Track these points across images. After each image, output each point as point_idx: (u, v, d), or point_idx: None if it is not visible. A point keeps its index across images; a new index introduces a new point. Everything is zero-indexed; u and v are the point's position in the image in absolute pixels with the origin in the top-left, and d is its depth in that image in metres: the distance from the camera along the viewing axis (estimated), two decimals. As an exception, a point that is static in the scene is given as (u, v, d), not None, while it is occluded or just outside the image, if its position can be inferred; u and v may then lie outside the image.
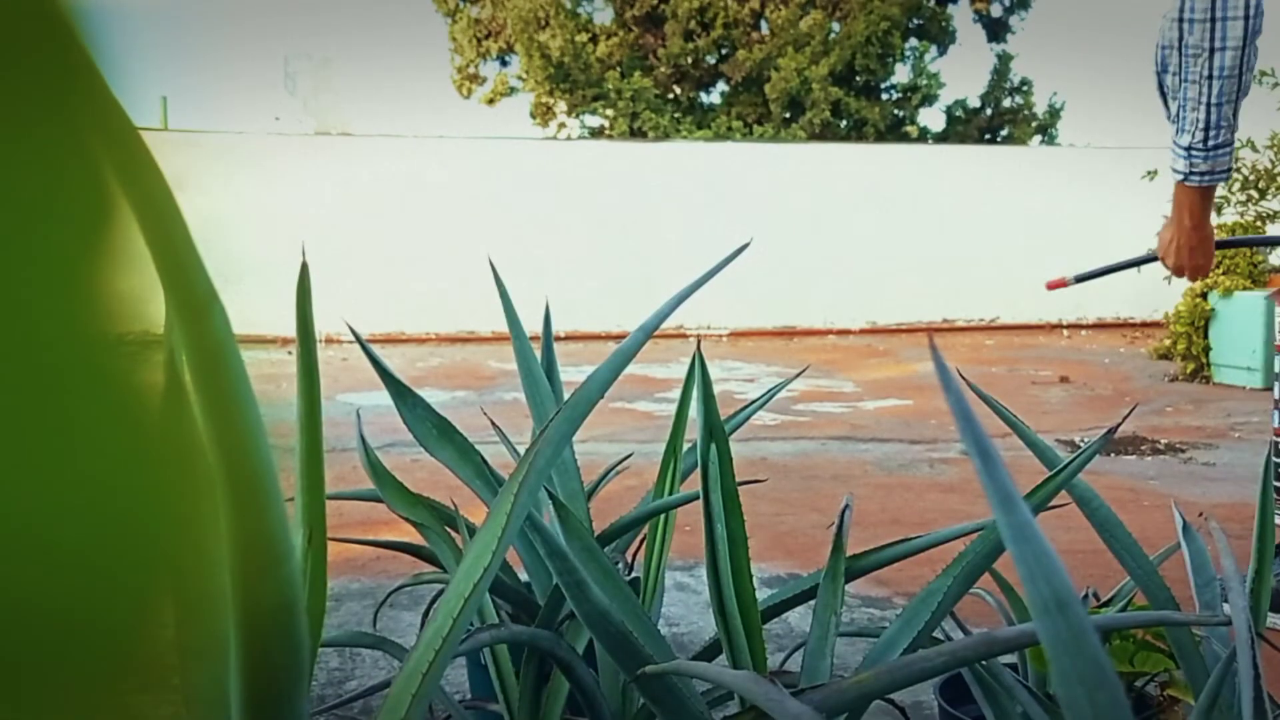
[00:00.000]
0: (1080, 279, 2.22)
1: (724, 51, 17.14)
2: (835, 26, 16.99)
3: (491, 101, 18.95)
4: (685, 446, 1.34)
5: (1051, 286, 2.34)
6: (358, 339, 1.34)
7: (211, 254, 0.39)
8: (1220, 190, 7.86)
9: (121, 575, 0.23)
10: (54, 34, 0.21)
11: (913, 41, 17.58)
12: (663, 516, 1.29)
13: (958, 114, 18.30)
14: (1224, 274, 7.59)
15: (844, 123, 16.79)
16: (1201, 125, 1.60)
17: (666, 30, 17.01)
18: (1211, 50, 1.56)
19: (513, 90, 18.77)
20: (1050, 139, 18.52)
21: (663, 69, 17.16)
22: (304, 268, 0.71)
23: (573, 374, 5.94)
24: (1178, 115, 1.65)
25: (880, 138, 16.55)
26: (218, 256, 0.40)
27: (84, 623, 0.22)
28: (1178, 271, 1.86)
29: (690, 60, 17.01)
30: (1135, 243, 8.64)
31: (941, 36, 17.85)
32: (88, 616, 0.22)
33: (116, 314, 0.23)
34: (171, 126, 11.83)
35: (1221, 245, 1.93)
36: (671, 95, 17.51)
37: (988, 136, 18.19)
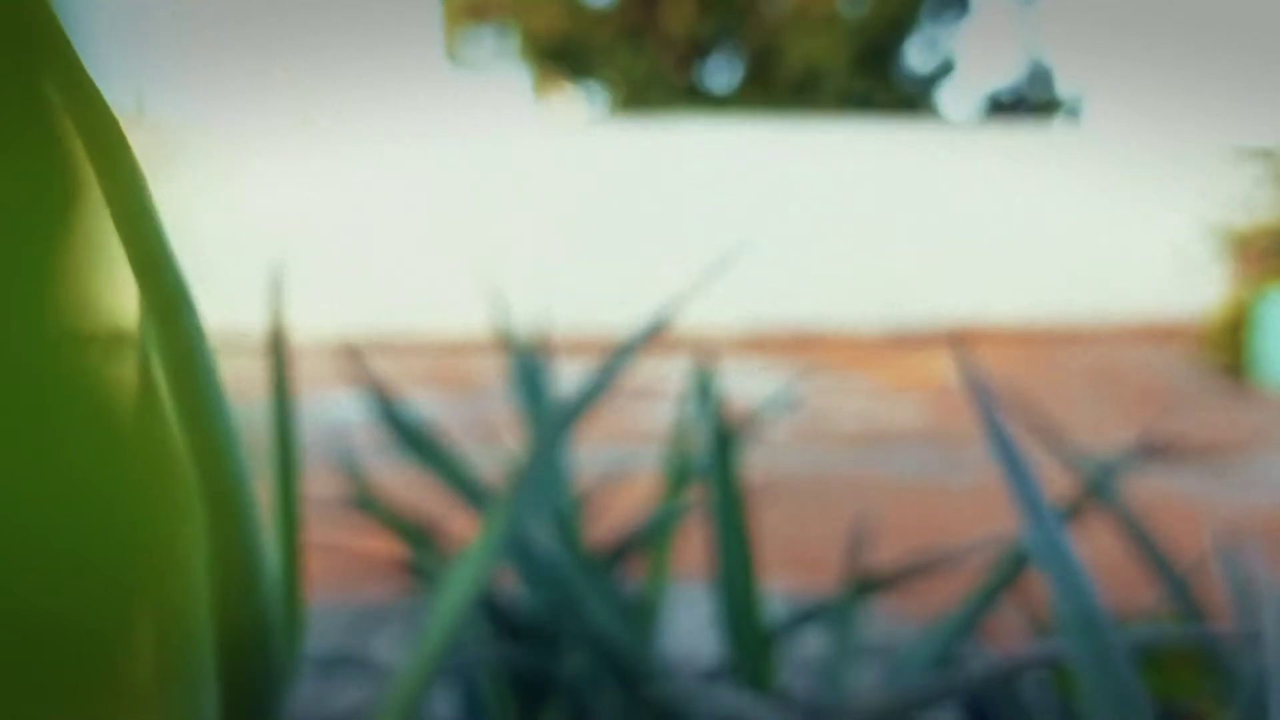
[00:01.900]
0: None
1: (732, 31, 17.17)
2: (849, 6, 17.02)
3: (486, 85, 18.99)
4: (688, 452, 1.34)
5: None
6: (345, 341, 1.34)
7: (187, 251, 0.39)
8: (1260, 187, 7.87)
9: (95, 589, 0.23)
10: (27, 13, 0.21)
11: (931, 23, 17.61)
12: (664, 527, 1.30)
13: (981, 99, 18.33)
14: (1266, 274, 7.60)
15: (859, 106, 16.82)
16: None
17: (672, 10, 17.04)
18: None
19: (509, 72, 18.80)
20: (1078, 128, 18.56)
21: (668, 50, 17.18)
22: (278, 267, 0.71)
23: (568, 377, 5.95)
24: None
25: (897, 122, 16.56)
26: (196, 253, 0.40)
27: (61, 638, 0.22)
28: None
29: (697, 40, 17.03)
30: (1167, 234, 8.62)
31: (961, 16, 17.88)
32: (64, 633, 0.22)
33: (87, 310, 0.24)
34: (153, 118, 11.85)
35: None
36: (677, 77, 17.54)
37: (1013, 123, 18.22)
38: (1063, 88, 18.47)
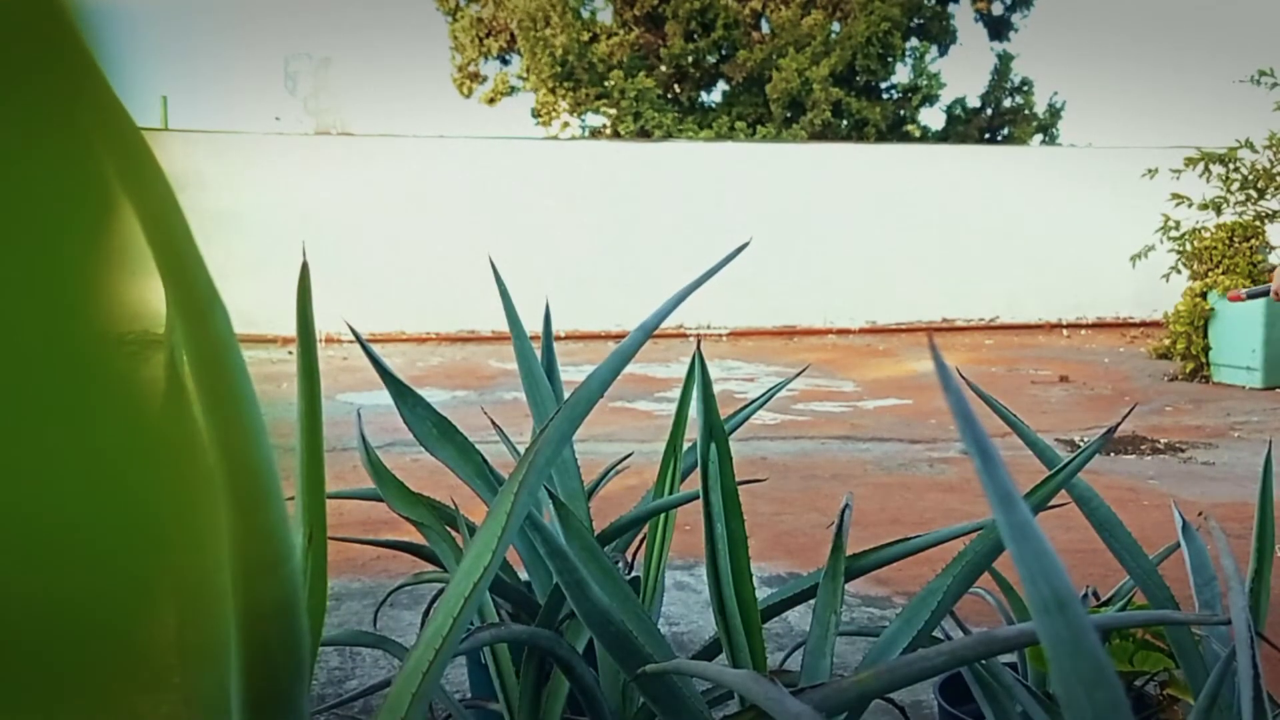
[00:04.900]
0: (1251, 295, 2.68)
1: (725, 52, 17.14)
2: (836, 27, 16.99)
3: (492, 101, 18.96)
4: (685, 446, 1.34)
5: (1233, 298, 2.89)
6: (358, 338, 1.34)
7: (212, 253, 0.39)
8: (1218, 190, 7.86)
9: (123, 574, 0.23)
10: (58, 36, 0.21)
11: (913, 41, 17.58)
12: (663, 516, 1.29)
13: (958, 114, 18.30)
14: (1223, 273, 7.59)
15: (845, 123, 16.79)
16: None
17: (667, 30, 17.02)
18: None
19: (513, 89, 18.77)
20: (1051, 139, 18.53)
21: (664, 68, 17.16)
22: (304, 267, 0.71)
23: (573, 373, 5.95)
24: None
25: (881, 138, 16.55)
26: (218, 256, 0.40)
27: (86, 621, 0.22)
28: None
29: (691, 60, 17.01)
30: (1134, 242, 8.63)
31: (942, 36, 17.85)
32: (90, 615, 0.22)
33: (118, 314, 0.23)
34: (172, 126, 11.84)
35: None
36: (673, 95, 17.52)
37: (988, 136, 18.19)
38: (1039, 101, 18.47)
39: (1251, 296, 2.61)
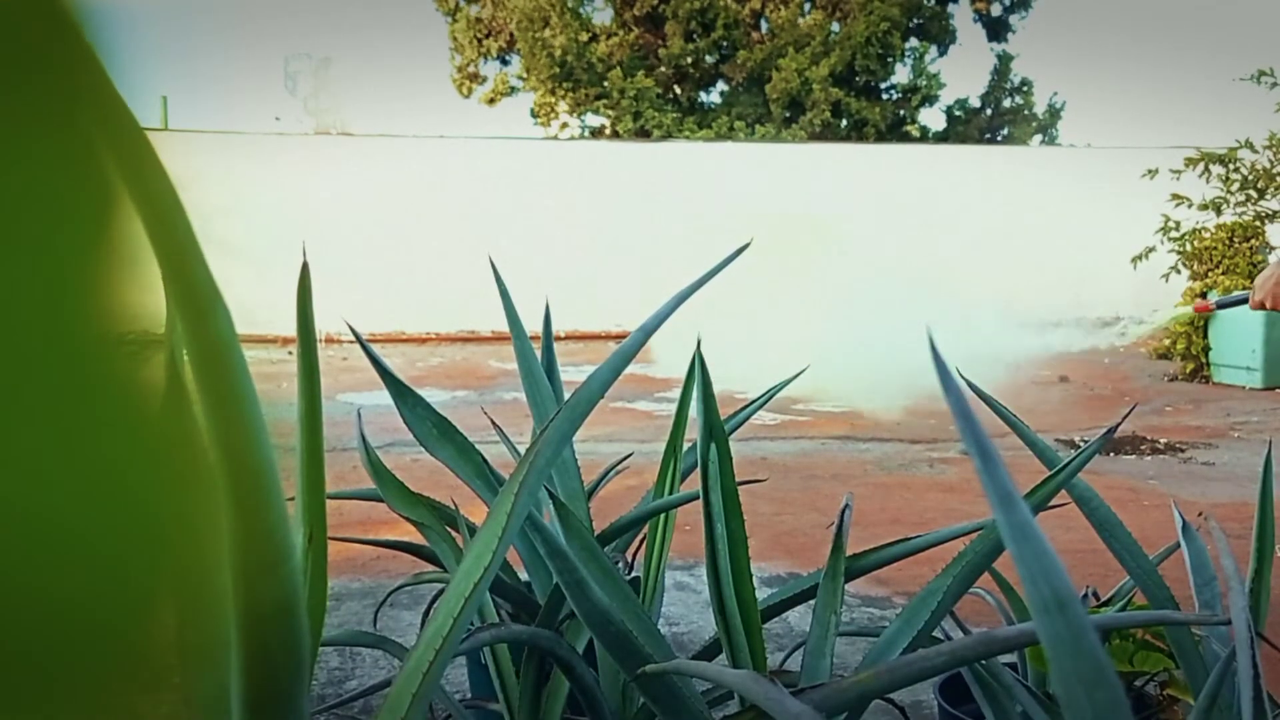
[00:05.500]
0: (1220, 304, 2.65)
1: (724, 52, 17.14)
2: (835, 27, 17.00)
3: (492, 101, 18.97)
4: (685, 446, 1.34)
5: (1200, 309, 2.82)
6: (358, 338, 1.34)
7: (213, 253, 0.39)
8: (1218, 190, 7.86)
9: (123, 574, 0.23)
10: (62, 36, 0.21)
11: (913, 41, 17.60)
12: (663, 516, 1.29)
13: (958, 114, 18.32)
14: (1223, 274, 7.60)
15: (844, 123, 16.80)
16: None
17: (667, 30, 17.02)
18: None
19: (513, 90, 18.78)
20: (1050, 139, 18.54)
21: (664, 69, 17.17)
22: (304, 268, 0.71)
23: (573, 373, 5.94)
24: None
25: (881, 138, 16.55)
26: (219, 256, 0.40)
27: (86, 621, 0.22)
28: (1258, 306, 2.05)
29: (691, 60, 17.02)
30: (1133, 242, 8.63)
31: (942, 36, 17.86)
32: (89, 615, 0.22)
33: (118, 314, 0.23)
34: (172, 126, 11.84)
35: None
36: (673, 95, 17.53)
37: (988, 136, 18.20)
38: (1039, 101, 18.48)
39: (1221, 306, 2.51)
